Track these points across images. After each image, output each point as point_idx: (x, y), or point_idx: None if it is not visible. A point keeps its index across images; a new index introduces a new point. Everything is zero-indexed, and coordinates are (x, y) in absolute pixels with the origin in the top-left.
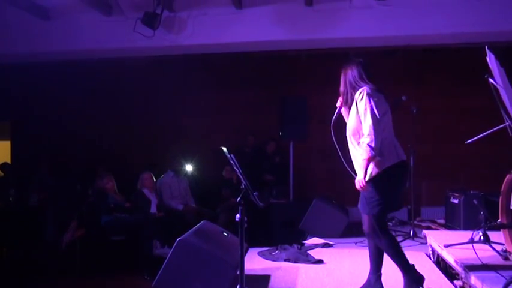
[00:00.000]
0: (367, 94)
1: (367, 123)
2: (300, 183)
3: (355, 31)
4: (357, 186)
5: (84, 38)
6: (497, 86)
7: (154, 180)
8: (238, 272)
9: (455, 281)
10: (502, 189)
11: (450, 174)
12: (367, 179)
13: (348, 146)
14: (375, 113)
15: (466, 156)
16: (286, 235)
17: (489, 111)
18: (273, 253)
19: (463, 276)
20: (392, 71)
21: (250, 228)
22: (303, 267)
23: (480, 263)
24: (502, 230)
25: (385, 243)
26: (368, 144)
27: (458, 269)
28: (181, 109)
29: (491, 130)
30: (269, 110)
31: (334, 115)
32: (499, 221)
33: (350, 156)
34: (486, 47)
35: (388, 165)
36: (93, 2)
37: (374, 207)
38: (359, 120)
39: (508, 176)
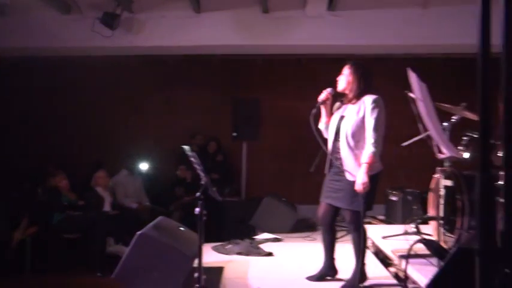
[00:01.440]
0: (381, 105)
1: (377, 132)
2: (251, 181)
3: (307, 39)
4: (360, 187)
5: (41, 35)
6: (417, 100)
7: (108, 178)
8: (193, 264)
9: (390, 268)
10: (432, 186)
11: (390, 174)
12: (365, 181)
13: (327, 139)
14: (383, 124)
15: (404, 157)
16: (238, 231)
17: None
18: (226, 247)
19: (397, 263)
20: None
21: (206, 224)
22: (254, 260)
23: (412, 252)
24: (430, 222)
25: (360, 237)
26: (374, 151)
27: (393, 257)
28: (136, 108)
29: (418, 137)
30: (223, 112)
31: (315, 109)
32: (428, 214)
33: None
34: (408, 68)
35: (377, 171)
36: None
37: (360, 205)
38: (363, 123)
39: (436, 175)
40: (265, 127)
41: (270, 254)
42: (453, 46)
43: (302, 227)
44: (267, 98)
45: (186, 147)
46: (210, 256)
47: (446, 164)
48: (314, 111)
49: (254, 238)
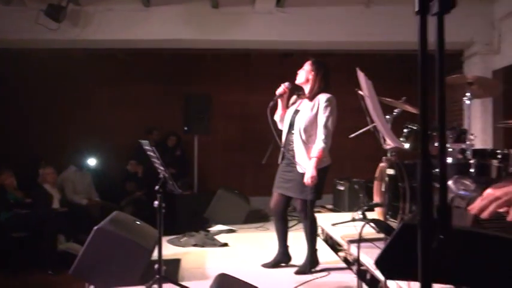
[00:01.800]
0: (334, 104)
1: (328, 129)
2: (203, 175)
3: (257, 34)
4: (308, 180)
5: None
6: (364, 97)
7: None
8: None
9: (339, 253)
10: (377, 174)
11: (337, 165)
12: (314, 174)
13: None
14: (334, 122)
15: (350, 148)
16: (192, 224)
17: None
18: (181, 240)
19: (346, 248)
20: (289, 73)
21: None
22: (210, 251)
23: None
24: (375, 208)
25: (311, 225)
26: (323, 147)
27: (342, 242)
28: (84, 103)
29: (363, 129)
30: (174, 106)
31: (273, 101)
32: (374, 201)
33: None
34: (357, 68)
35: (326, 164)
36: None
37: (310, 194)
38: (316, 119)
39: (380, 164)
40: (216, 121)
41: (225, 245)
42: (394, 43)
43: (255, 218)
44: (217, 92)
45: (144, 142)
46: (166, 249)
47: (390, 154)
48: (271, 103)
49: (209, 230)
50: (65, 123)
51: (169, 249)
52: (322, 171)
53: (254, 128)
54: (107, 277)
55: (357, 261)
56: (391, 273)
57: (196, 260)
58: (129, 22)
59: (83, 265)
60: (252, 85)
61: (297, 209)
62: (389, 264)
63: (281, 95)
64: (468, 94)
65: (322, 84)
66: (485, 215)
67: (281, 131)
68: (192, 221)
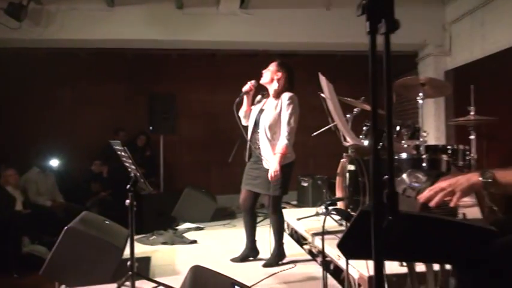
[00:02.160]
0: (296, 102)
1: (290, 126)
2: (169, 174)
3: (221, 35)
4: (272, 174)
5: None
6: (326, 99)
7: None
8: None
9: (304, 246)
10: (338, 170)
11: (301, 162)
12: (277, 169)
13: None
14: (297, 119)
15: (313, 146)
16: (159, 223)
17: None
18: (150, 238)
19: (310, 241)
20: (253, 73)
21: (125, 218)
22: (180, 248)
23: (322, 229)
24: (338, 202)
25: (278, 219)
26: (287, 143)
27: (307, 235)
28: (48, 103)
29: (325, 128)
30: (139, 106)
31: (238, 98)
32: (336, 196)
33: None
34: (319, 73)
35: (291, 160)
36: None
37: (277, 190)
38: (279, 117)
39: (341, 160)
40: (182, 120)
41: (194, 242)
42: (354, 44)
43: (221, 215)
44: (183, 92)
45: (115, 142)
46: (136, 248)
47: (350, 150)
48: (237, 100)
49: (177, 228)
50: (27, 124)
51: (138, 248)
52: (287, 167)
53: (219, 127)
54: (78, 276)
55: (322, 252)
56: (351, 254)
57: (166, 257)
58: (92, 22)
59: (53, 265)
60: (217, 85)
61: (265, 205)
62: (349, 246)
63: (247, 92)
64: (421, 94)
65: (286, 84)
66: (433, 203)
67: (246, 126)
68: (160, 220)
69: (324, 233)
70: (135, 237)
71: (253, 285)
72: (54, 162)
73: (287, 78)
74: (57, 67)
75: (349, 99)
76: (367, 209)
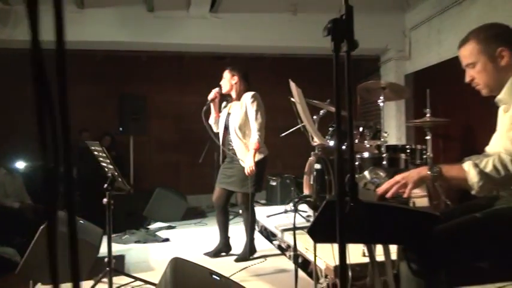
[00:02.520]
0: (258, 99)
1: (258, 122)
2: (139, 175)
3: (191, 38)
4: (248, 170)
5: None
6: (296, 103)
7: None
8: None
9: (274, 242)
10: (306, 169)
11: (269, 162)
12: (252, 164)
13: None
14: (263, 114)
15: (281, 146)
16: (131, 223)
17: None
18: (123, 238)
19: (279, 236)
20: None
21: (95, 219)
22: (153, 246)
23: (291, 225)
24: (304, 200)
25: (251, 216)
26: (259, 138)
27: (277, 231)
28: (15, 104)
29: (293, 128)
30: (109, 107)
31: (205, 106)
32: (304, 194)
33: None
34: (289, 80)
35: (264, 155)
36: None
37: (251, 187)
38: (246, 117)
39: (309, 159)
40: (151, 121)
41: (167, 240)
42: (319, 48)
43: (192, 214)
44: (152, 93)
45: (92, 142)
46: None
47: (317, 150)
48: (205, 108)
49: (148, 228)
50: None
51: (113, 246)
52: (260, 165)
53: (189, 128)
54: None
55: (294, 244)
56: (319, 238)
57: (140, 254)
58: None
59: (29, 264)
60: (186, 86)
61: (238, 202)
62: (318, 231)
63: (213, 100)
64: (382, 97)
65: (244, 84)
66: (389, 195)
67: (217, 133)
68: (130, 219)
69: (294, 228)
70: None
71: (230, 275)
72: (21, 164)
73: (242, 79)
74: (26, 68)
75: (315, 101)
76: (332, 199)
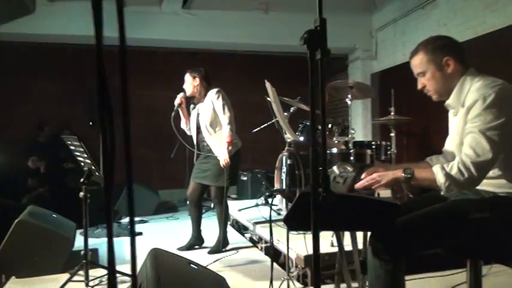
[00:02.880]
0: (223, 94)
1: (227, 115)
2: (110, 169)
3: (162, 33)
4: (223, 163)
5: None
6: (271, 102)
7: None
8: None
9: (245, 234)
10: (277, 165)
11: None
12: (227, 156)
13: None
14: (230, 107)
15: (251, 142)
16: (101, 217)
17: (267, 106)
18: (95, 232)
19: (251, 229)
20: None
21: (64, 213)
22: (126, 239)
23: (263, 218)
24: (276, 194)
25: (224, 210)
26: (230, 131)
27: (248, 224)
28: None
29: (265, 124)
30: (79, 101)
31: (174, 112)
32: (275, 188)
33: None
34: (265, 80)
35: (237, 148)
36: None
37: (226, 181)
38: (215, 113)
39: (280, 155)
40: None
41: (140, 234)
42: (290, 46)
43: (164, 209)
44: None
45: (69, 137)
46: (81, 240)
47: (288, 146)
48: (173, 114)
49: (120, 222)
50: None
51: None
52: (234, 158)
53: (160, 123)
54: (29, 267)
55: (271, 237)
56: (294, 227)
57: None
58: (32, 16)
59: (2, 258)
60: (157, 81)
61: (212, 196)
62: (293, 220)
63: (180, 105)
64: (349, 96)
65: (205, 84)
66: (360, 186)
67: (190, 136)
68: (101, 214)
69: (271, 220)
70: (79, 231)
71: (207, 265)
72: None
73: (203, 79)
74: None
75: (286, 98)
76: (306, 190)
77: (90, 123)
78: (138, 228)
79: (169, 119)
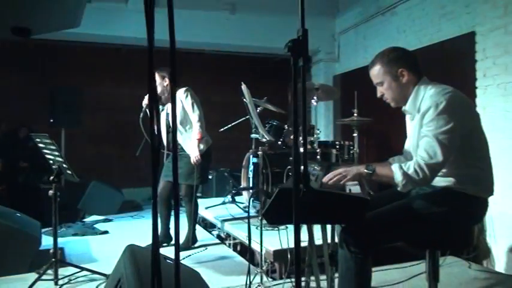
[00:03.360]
0: (191, 92)
1: (196, 113)
2: (72, 168)
3: (128, 31)
4: (194, 160)
5: None
6: (247, 103)
7: None
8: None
9: (213, 232)
10: (244, 163)
11: None
12: (198, 154)
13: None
14: (199, 105)
15: (218, 141)
16: (63, 216)
17: (232, 106)
18: (59, 231)
19: (219, 226)
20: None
21: (24, 212)
22: (92, 238)
23: (230, 216)
24: (243, 192)
25: (193, 207)
26: (200, 129)
27: (216, 222)
28: None
29: (233, 124)
30: (40, 98)
31: (142, 113)
32: (241, 186)
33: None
34: (242, 83)
35: (208, 145)
36: None
37: (196, 179)
38: (185, 111)
39: (246, 154)
40: (85, 113)
41: (106, 232)
42: (256, 47)
43: (128, 207)
44: (86, 85)
45: (38, 135)
46: (46, 240)
47: (254, 145)
48: (142, 115)
49: (84, 221)
50: None
51: (48, 240)
52: (205, 156)
53: (124, 120)
54: None
55: (248, 233)
56: (273, 221)
57: (80, 247)
58: None
59: None
60: (122, 79)
61: (182, 194)
62: (271, 215)
63: (148, 106)
64: (315, 97)
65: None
66: (331, 182)
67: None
68: (63, 213)
69: (249, 216)
70: (43, 230)
71: (188, 255)
72: None
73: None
74: None
75: (254, 99)
76: (284, 186)
77: (51, 120)
78: (103, 227)
79: (132, 116)
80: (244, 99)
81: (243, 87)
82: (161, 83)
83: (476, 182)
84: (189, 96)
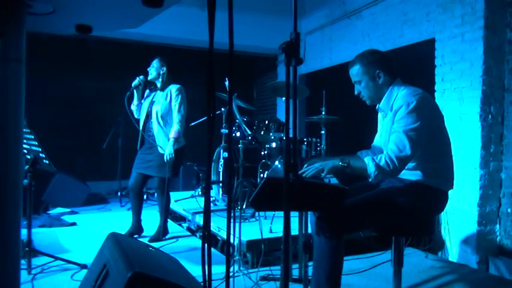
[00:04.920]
0: (183, 93)
1: (181, 114)
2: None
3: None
4: (167, 157)
5: None
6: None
7: None
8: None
9: (183, 224)
10: (214, 158)
11: None
12: (172, 152)
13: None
14: (186, 108)
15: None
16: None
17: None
18: (25, 222)
19: (190, 218)
20: (125, 62)
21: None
22: (59, 230)
23: (200, 208)
24: (213, 184)
25: (166, 200)
26: (179, 129)
27: (187, 214)
28: None
29: (202, 119)
30: None
31: (129, 92)
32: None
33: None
34: (226, 78)
35: (182, 145)
36: None
37: (168, 173)
38: (170, 108)
39: (217, 149)
40: (45, 105)
41: (74, 224)
42: (224, 44)
43: (94, 200)
44: (49, 76)
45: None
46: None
47: (225, 140)
48: (128, 94)
49: (49, 213)
50: None
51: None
52: (179, 152)
53: (88, 113)
54: None
55: (227, 225)
56: (259, 208)
57: (48, 238)
58: None
59: None
60: (87, 71)
61: (155, 186)
62: (258, 202)
63: (136, 87)
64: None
65: (170, 76)
66: (310, 175)
67: (138, 119)
68: (26, 204)
69: (229, 209)
70: None
71: (160, 247)
72: None
73: (170, 71)
74: None
75: (224, 94)
76: (270, 175)
77: None
78: (70, 219)
79: (98, 109)
80: (223, 95)
81: (227, 83)
82: (159, 68)
83: (439, 176)
84: (180, 96)
